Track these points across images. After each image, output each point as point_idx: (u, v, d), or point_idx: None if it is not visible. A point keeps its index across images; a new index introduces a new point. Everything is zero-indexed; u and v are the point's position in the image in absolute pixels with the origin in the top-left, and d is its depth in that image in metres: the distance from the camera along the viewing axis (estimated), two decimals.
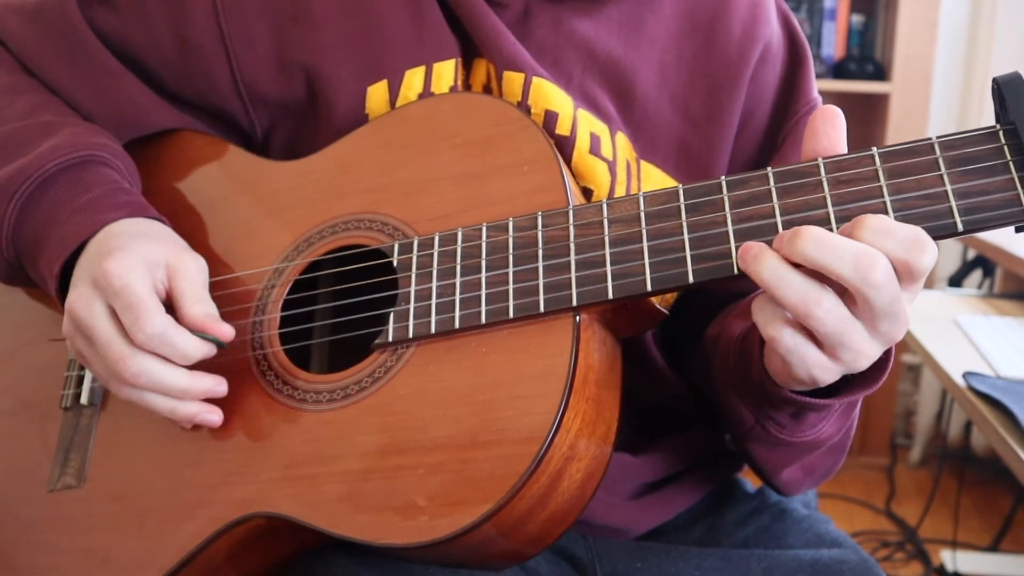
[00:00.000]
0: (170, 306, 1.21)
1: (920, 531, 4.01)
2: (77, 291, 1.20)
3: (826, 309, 0.96)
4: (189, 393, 1.20)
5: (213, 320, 1.21)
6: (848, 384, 1.14)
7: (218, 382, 1.22)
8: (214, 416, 1.22)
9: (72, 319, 1.20)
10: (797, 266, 0.97)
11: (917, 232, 0.96)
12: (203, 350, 1.20)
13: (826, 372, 1.03)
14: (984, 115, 4.54)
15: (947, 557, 3.70)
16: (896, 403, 4.74)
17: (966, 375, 2.25)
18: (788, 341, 1.00)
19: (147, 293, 1.17)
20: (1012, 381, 2.24)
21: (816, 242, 0.95)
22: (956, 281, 4.01)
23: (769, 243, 1.00)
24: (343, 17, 1.36)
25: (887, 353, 1.10)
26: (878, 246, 0.95)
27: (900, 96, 4.34)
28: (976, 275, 4.03)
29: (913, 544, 3.95)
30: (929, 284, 4.38)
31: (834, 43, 4.50)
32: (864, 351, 1.00)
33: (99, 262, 1.19)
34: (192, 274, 1.23)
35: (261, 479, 1.19)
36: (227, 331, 1.21)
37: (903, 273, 0.96)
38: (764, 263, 0.97)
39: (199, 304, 1.21)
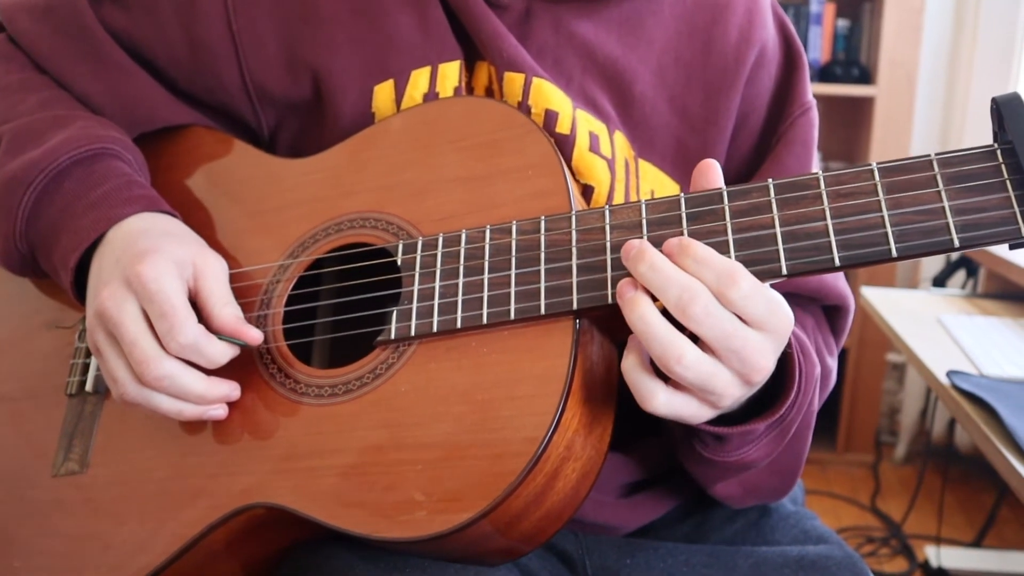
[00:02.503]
0: (195, 303, 1.22)
1: (905, 527, 4.02)
2: (109, 289, 1.20)
3: (686, 365, 1.01)
4: (205, 399, 1.21)
5: (243, 323, 1.22)
6: (759, 411, 1.18)
7: (233, 388, 1.23)
8: (220, 411, 1.22)
9: (100, 315, 1.20)
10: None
11: (732, 266, 1.00)
12: (229, 354, 1.21)
13: (698, 414, 1.08)
14: (967, 119, 4.55)
15: (931, 553, 3.70)
16: (881, 401, 4.74)
17: (950, 374, 2.26)
18: (637, 378, 1.05)
19: (181, 300, 1.19)
20: (995, 380, 2.25)
21: (651, 267, 1.01)
22: (940, 281, 4.01)
23: (767, 254, 1.03)
24: (351, 17, 1.36)
25: (789, 387, 1.16)
26: (695, 274, 1.00)
27: (885, 99, 4.35)
28: (960, 275, 4.03)
29: (898, 540, 3.96)
30: (913, 284, 4.40)
31: (820, 47, 4.51)
32: (727, 393, 1.04)
33: (132, 264, 1.19)
34: (218, 274, 1.25)
35: (262, 470, 1.20)
36: (255, 335, 1.22)
37: (724, 304, 1.00)
38: (635, 309, 1.02)
39: (228, 306, 1.23)
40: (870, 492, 4.42)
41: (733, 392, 1.04)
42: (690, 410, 1.06)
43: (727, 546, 1.38)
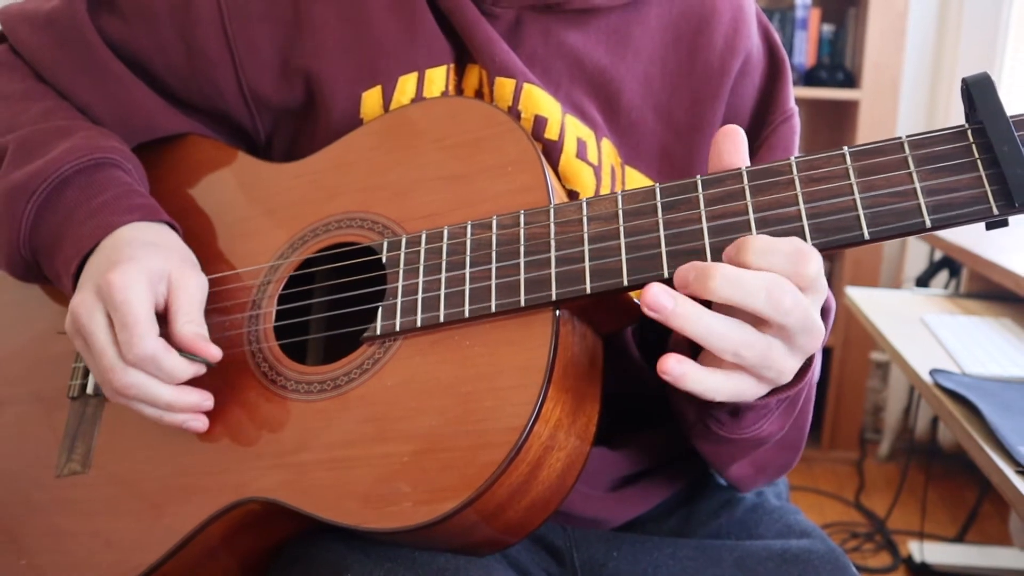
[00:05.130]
0: (164, 318, 1.22)
1: (888, 523, 4.01)
2: (81, 295, 1.20)
3: (750, 345, 0.97)
4: (175, 407, 1.20)
5: (202, 340, 1.21)
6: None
7: (204, 397, 1.22)
8: (198, 423, 1.22)
9: (73, 321, 1.20)
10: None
11: (798, 243, 0.97)
12: (190, 371, 1.20)
13: (756, 392, 1.05)
14: (951, 121, 4.53)
15: (915, 548, 3.71)
16: (865, 399, 4.74)
17: (933, 372, 2.25)
18: (726, 388, 1.01)
19: (144, 312, 1.17)
20: (977, 378, 2.24)
21: (727, 280, 0.95)
22: (923, 281, 4.01)
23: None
24: (340, 24, 1.35)
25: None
26: (766, 265, 0.96)
27: (869, 103, 4.35)
28: (943, 275, 4.03)
29: (882, 535, 3.95)
30: (897, 284, 4.41)
31: (805, 51, 4.49)
32: (788, 367, 1.02)
33: (105, 271, 1.19)
34: (191, 291, 1.23)
35: (255, 466, 1.19)
36: (214, 352, 1.21)
37: (800, 283, 0.97)
38: (690, 319, 0.97)
39: (190, 324, 1.21)
40: (855, 488, 4.42)
41: (794, 365, 1.03)
42: (751, 389, 1.04)
43: (712, 540, 1.38)
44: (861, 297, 3.21)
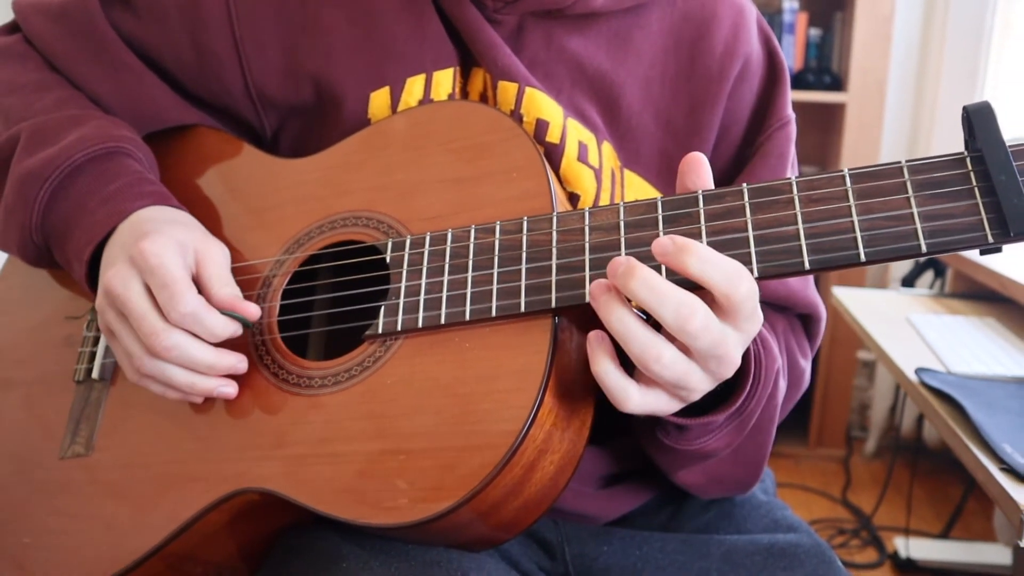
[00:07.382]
0: (197, 286, 1.22)
1: (875, 519, 4.01)
2: (115, 269, 1.20)
3: (664, 364, 0.98)
4: (215, 368, 1.21)
5: (240, 300, 1.22)
6: (720, 402, 1.18)
7: (239, 359, 1.23)
8: (230, 389, 1.23)
9: (108, 295, 1.20)
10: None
11: (738, 267, 0.97)
12: (230, 329, 1.21)
13: (668, 409, 1.06)
14: (935, 124, 4.55)
15: (900, 544, 3.71)
16: (852, 397, 4.74)
17: (918, 371, 2.25)
18: (635, 399, 1.03)
19: (181, 273, 1.18)
20: (962, 377, 2.25)
21: (645, 284, 0.96)
22: (909, 281, 4.00)
23: (739, 256, 1.00)
24: (349, 27, 1.35)
25: (745, 380, 1.16)
26: (701, 275, 0.96)
27: (856, 106, 4.34)
28: (928, 275, 4.02)
29: (868, 531, 3.95)
30: (883, 284, 4.40)
31: (793, 55, 4.48)
32: (698, 388, 1.03)
33: (136, 243, 1.20)
34: (218, 259, 1.25)
35: (254, 457, 1.20)
36: (253, 310, 1.22)
37: (724, 305, 0.97)
38: (613, 311, 0.99)
39: (227, 287, 1.23)
40: (841, 485, 4.42)
41: (705, 388, 1.03)
42: (660, 405, 1.04)
43: (700, 534, 1.38)
44: (848, 297, 3.23)
